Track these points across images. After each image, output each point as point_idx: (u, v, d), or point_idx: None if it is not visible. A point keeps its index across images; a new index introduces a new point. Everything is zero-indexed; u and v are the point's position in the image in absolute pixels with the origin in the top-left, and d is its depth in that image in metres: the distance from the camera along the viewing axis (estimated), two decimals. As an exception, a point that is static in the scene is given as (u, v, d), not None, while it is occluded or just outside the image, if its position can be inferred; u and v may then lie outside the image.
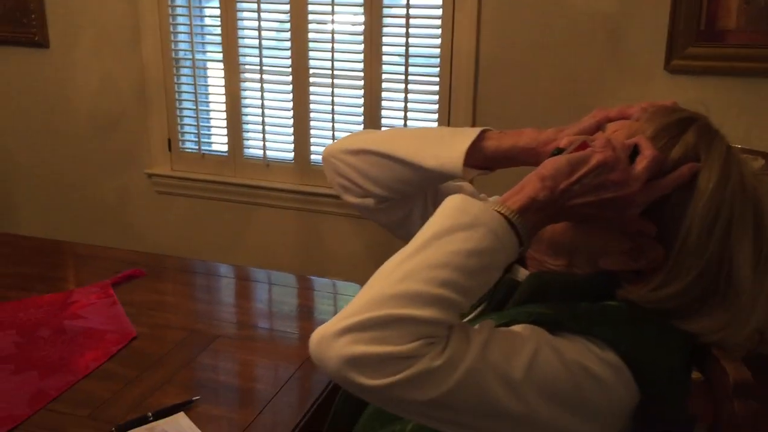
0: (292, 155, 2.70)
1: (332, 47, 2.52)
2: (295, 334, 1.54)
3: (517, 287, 0.95)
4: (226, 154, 2.81)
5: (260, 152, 2.74)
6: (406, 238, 0.91)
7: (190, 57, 2.75)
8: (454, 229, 0.77)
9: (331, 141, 2.62)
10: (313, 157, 2.67)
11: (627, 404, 0.83)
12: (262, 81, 2.66)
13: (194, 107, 2.82)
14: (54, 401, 1.27)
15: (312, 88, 2.60)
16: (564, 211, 0.83)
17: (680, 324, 0.86)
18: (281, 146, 2.72)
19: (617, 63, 2.21)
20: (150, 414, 1.21)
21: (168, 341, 1.48)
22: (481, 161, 1.01)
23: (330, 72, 2.55)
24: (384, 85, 2.50)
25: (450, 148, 1.00)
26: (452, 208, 0.80)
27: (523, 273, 0.98)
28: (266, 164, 2.75)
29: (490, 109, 2.38)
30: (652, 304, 0.86)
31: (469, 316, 1.00)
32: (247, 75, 2.69)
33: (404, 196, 1.11)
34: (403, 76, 2.45)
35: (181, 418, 1.22)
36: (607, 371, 0.81)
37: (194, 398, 1.26)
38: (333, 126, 2.60)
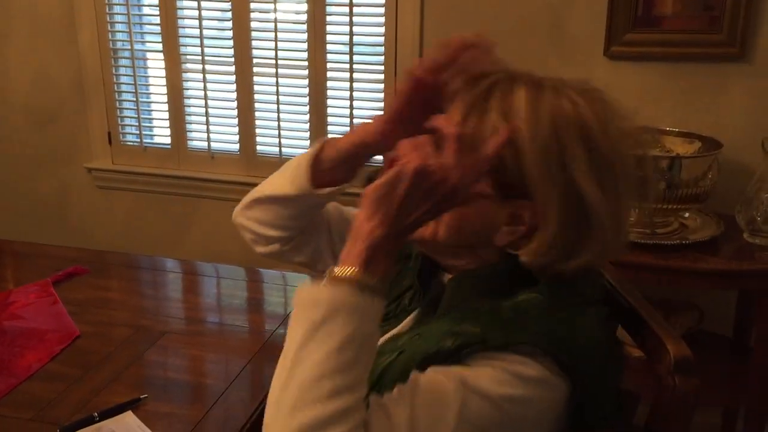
0: (237, 146, 2.66)
1: (275, 36, 2.49)
2: (245, 327, 1.52)
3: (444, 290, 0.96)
4: (169, 146, 2.75)
5: (204, 144, 2.69)
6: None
7: (129, 47, 2.68)
8: (313, 330, 0.76)
9: (277, 131, 2.59)
10: (259, 147, 2.64)
11: (560, 401, 0.84)
12: (204, 71, 2.60)
13: (134, 99, 2.74)
14: (-5, 405, 1.23)
15: (256, 78, 2.57)
16: (407, 230, 0.81)
17: (566, 265, 0.87)
18: (226, 137, 2.67)
19: (559, 50, 2.24)
20: (96, 414, 1.18)
21: (113, 339, 1.45)
22: (329, 173, 1.03)
23: (274, 61, 2.51)
24: (329, 74, 2.48)
25: (300, 170, 1.03)
26: (301, 306, 0.79)
27: (446, 277, 0.98)
28: (211, 156, 2.70)
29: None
30: (544, 258, 0.86)
31: (403, 323, 1.00)
32: (189, 65, 2.63)
33: (301, 231, 1.12)
34: (347, 65, 2.44)
35: (128, 417, 1.20)
36: (531, 388, 0.81)
37: (142, 396, 1.24)
38: (278, 116, 2.57)
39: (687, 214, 1.99)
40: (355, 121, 2.50)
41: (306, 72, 2.50)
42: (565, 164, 0.84)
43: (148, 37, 2.70)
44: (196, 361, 1.40)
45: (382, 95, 2.44)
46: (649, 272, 1.79)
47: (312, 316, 0.76)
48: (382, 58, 2.41)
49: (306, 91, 2.52)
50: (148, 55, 2.73)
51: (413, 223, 0.81)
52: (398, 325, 1.00)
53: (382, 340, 0.96)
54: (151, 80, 2.76)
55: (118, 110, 2.76)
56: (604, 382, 0.87)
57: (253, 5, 2.49)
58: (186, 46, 2.61)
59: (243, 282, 1.78)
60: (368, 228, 0.79)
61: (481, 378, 0.81)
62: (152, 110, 2.79)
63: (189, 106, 2.68)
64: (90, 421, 1.17)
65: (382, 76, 2.42)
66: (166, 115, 2.71)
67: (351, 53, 2.43)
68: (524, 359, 0.82)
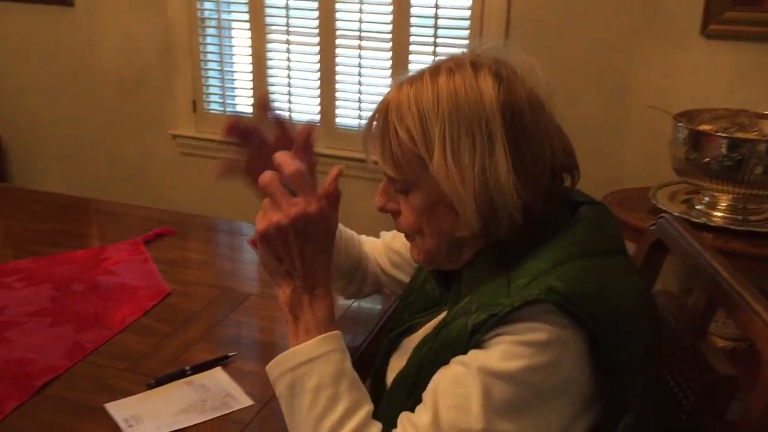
0: (317, 117, 2.68)
1: (360, 8, 2.49)
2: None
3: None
4: (251, 116, 2.79)
5: (285, 114, 2.72)
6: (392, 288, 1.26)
7: (216, 17, 2.73)
8: (289, 397, 0.90)
9: (357, 104, 2.60)
10: (338, 119, 2.66)
11: (581, 354, 0.82)
12: (288, 42, 2.63)
13: (219, 68, 2.80)
14: (92, 354, 1.28)
15: (339, 50, 2.58)
16: (304, 275, 0.91)
17: (515, 217, 0.87)
18: (307, 108, 2.70)
19: (652, 28, 2.17)
20: (188, 368, 1.22)
21: (201, 298, 1.49)
22: None
23: (357, 33, 2.52)
24: (411, 47, 2.47)
25: None
26: (280, 386, 0.92)
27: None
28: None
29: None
30: (480, 228, 0.87)
31: (439, 317, 1.01)
32: (273, 36, 2.66)
33: (351, 269, 1.26)
34: (431, 39, 2.42)
35: (218, 372, 1.23)
36: (549, 352, 0.80)
37: (230, 354, 1.27)
38: (359, 89, 2.58)
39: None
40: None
41: (389, 45, 2.49)
42: (459, 152, 0.85)
43: (234, 7, 2.74)
44: (279, 323, 1.42)
45: (464, 70, 2.42)
46: (739, 259, 1.73)
47: (280, 391, 0.91)
48: (467, 33, 2.38)
49: (388, 64, 2.52)
50: (234, 24, 2.78)
51: (303, 267, 0.90)
52: (431, 319, 1.02)
53: (425, 329, 1.00)
54: (235, 50, 2.80)
55: (203, 78, 2.82)
56: (629, 328, 0.83)
57: (339, -24, 2.49)
58: (271, 16, 2.64)
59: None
60: (280, 298, 0.93)
61: (496, 359, 0.81)
62: (236, 79, 2.83)
63: (272, 76, 2.71)
64: (182, 375, 1.21)
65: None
66: (250, 84, 2.75)
67: (435, 27, 2.41)
68: (534, 324, 0.80)
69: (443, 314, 1.00)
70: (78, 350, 1.29)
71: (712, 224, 1.84)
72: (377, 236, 1.34)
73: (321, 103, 2.66)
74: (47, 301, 1.46)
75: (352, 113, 2.63)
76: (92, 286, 1.52)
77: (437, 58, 0.95)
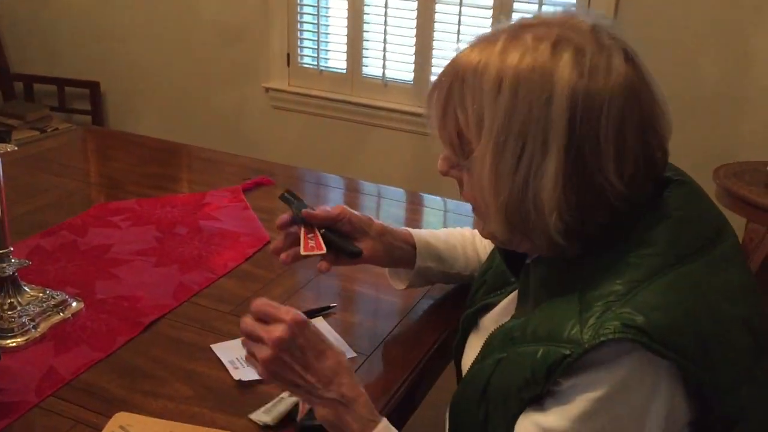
0: (411, 76, 2.64)
1: (464, -36, 2.42)
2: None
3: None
4: (345, 71, 2.77)
5: (379, 71, 2.69)
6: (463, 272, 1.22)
7: (315, -30, 2.71)
8: None
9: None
10: (433, 78, 2.60)
11: (677, 388, 0.73)
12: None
13: (315, 22, 2.78)
14: (197, 295, 1.30)
15: (438, 6, 2.51)
16: (309, 392, 0.87)
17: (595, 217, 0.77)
18: (401, 66, 2.66)
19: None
20: (291, 314, 1.22)
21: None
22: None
23: (460, -9, 2.45)
24: (515, 5, 2.39)
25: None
26: None
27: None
28: (384, 84, 2.70)
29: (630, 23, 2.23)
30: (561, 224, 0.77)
31: (506, 299, 0.98)
32: (372, -8, 2.63)
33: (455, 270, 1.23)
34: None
35: (320, 322, 1.23)
36: (634, 398, 0.72)
37: (332, 305, 1.26)
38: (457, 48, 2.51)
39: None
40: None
41: (491, 2, 2.42)
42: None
43: (334, -39, 2.71)
44: (380, 278, 1.40)
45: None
46: None
47: None
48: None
49: (489, 22, 2.44)
50: (333, -21, 2.75)
51: (318, 378, 0.86)
52: (504, 298, 0.99)
53: (499, 309, 0.98)
54: (332, 4, 2.77)
55: (298, 32, 2.81)
56: (728, 345, 0.74)
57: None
58: (371, -28, 2.60)
59: (422, 208, 1.77)
60: (319, 418, 0.88)
61: (578, 420, 0.73)
62: (330, 34, 2.81)
63: (367, 32, 2.68)
64: (284, 321, 1.21)
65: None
66: (345, 40, 2.72)
67: (542, -16, 2.31)
68: (612, 369, 0.72)
69: (514, 297, 0.95)
70: (183, 291, 1.30)
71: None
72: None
73: (416, 62, 2.61)
74: (152, 241, 1.48)
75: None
76: (194, 229, 1.53)
77: (534, 13, 0.85)
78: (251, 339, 0.88)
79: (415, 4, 2.53)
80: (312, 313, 1.24)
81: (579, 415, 0.74)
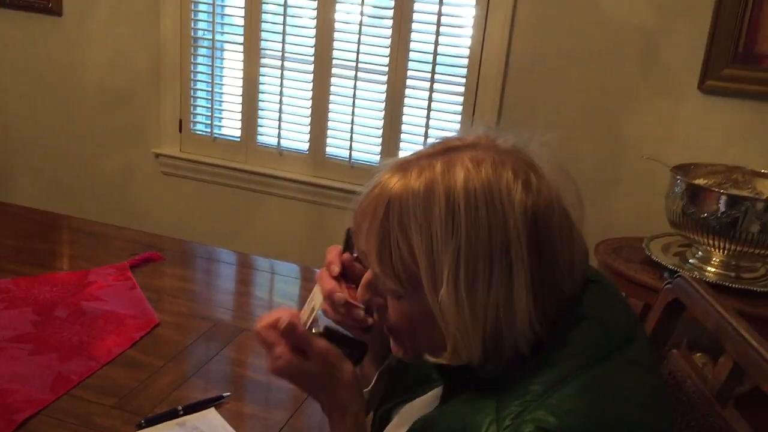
0: (307, 146, 2.64)
1: (359, 39, 2.47)
2: (321, 332, 1.49)
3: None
4: (239, 139, 2.74)
5: (274, 140, 2.68)
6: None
7: (210, 37, 2.69)
8: None
9: (349, 135, 2.57)
10: (328, 149, 2.62)
11: None
12: (282, 68, 2.60)
13: (209, 89, 2.75)
14: (77, 387, 1.21)
15: (333, 80, 2.55)
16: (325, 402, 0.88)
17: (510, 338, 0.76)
18: (296, 135, 2.66)
19: (650, 79, 2.19)
20: (180, 408, 1.16)
21: (191, 331, 1.43)
22: None
23: (354, 64, 2.49)
24: (408, 82, 2.46)
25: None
26: None
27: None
28: (279, 153, 2.69)
29: (516, 116, 2.34)
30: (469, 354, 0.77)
31: (426, 396, 0.93)
32: (267, 60, 2.62)
33: None
34: (429, 74, 2.41)
35: (211, 414, 1.17)
36: None
37: (225, 394, 1.21)
38: (352, 119, 2.55)
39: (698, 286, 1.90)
40: (430, 132, 2.47)
41: (385, 78, 2.48)
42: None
43: (229, 29, 2.70)
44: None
45: (460, 108, 2.41)
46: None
47: None
48: (465, 71, 2.37)
49: (383, 96, 2.50)
50: (228, 46, 2.73)
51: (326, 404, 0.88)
52: (421, 395, 0.94)
53: (417, 403, 0.93)
54: (227, 72, 2.76)
55: (191, 98, 2.77)
56: None
57: (338, 5, 2.47)
58: (267, 41, 2.61)
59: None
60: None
61: None
62: (225, 101, 2.78)
63: (263, 101, 2.67)
64: (174, 415, 1.15)
65: (462, 89, 2.39)
66: (239, 107, 2.70)
67: (434, 63, 2.40)
68: None
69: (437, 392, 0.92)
70: (62, 382, 1.22)
71: (705, 279, 1.84)
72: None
73: (311, 132, 2.62)
74: (28, 326, 1.38)
75: (343, 143, 2.59)
76: (76, 312, 1.45)
77: (446, 135, 0.82)
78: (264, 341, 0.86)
79: (310, 76, 2.55)
80: (203, 404, 1.19)
81: None
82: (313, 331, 0.88)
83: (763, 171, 1.96)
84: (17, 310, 1.43)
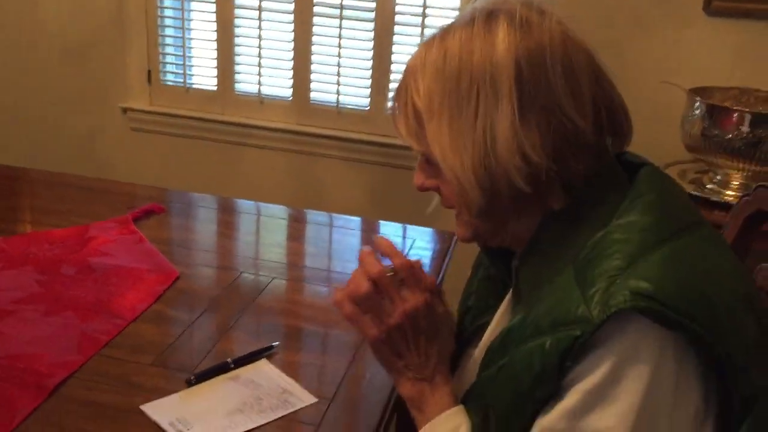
0: (290, 92, 2.49)
1: (342, -26, 2.32)
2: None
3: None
4: (215, 88, 2.57)
5: (254, 87, 2.52)
6: None
7: (177, -22, 2.49)
8: None
9: (336, 77, 2.43)
10: (313, 95, 2.47)
11: (688, 366, 0.71)
12: (260, 9, 2.43)
13: (179, 35, 2.56)
14: (107, 347, 1.08)
15: (316, 19, 2.39)
16: (429, 353, 0.88)
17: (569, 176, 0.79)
18: (278, 82, 2.51)
19: (655, 5, 2.11)
20: (230, 361, 1.05)
21: (217, 282, 1.31)
22: None
23: (338, 2, 2.34)
24: (397, 18, 2.32)
25: None
26: None
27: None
28: (260, 101, 2.53)
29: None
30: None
31: (498, 313, 0.92)
32: (242, 1, 2.45)
33: None
34: (420, 8, 2.28)
35: (264, 365, 1.06)
36: (646, 376, 0.69)
37: (274, 344, 1.10)
38: (339, 62, 2.40)
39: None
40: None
41: (372, 15, 2.34)
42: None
43: (197, -31, 2.51)
44: (317, 309, 1.26)
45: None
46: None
47: None
48: (458, 2, 2.25)
49: (371, 35, 2.36)
50: (197, -13, 2.54)
51: (420, 359, 0.87)
52: (496, 310, 0.93)
53: (488, 330, 0.92)
54: (198, 15, 2.57)
55: (160, 47, 2.58)
56: (737, 317, 0.72)
57: (318, -61, 2.31)
58: (241, -21, 2.43)
59: (325, 227, 1.64)
60: (403, 394, 0.89)
61: (597, 412, 0.70)
62: (197, 48, 2.60)
63: (239, 46, 2.50)
64: (225, 369, 1.04)
65: (456, 23, 2.27)
66: (214, 54, 2.53)
67: (425, -3, 2.27)
68: (626, 344, 0.69)
69: (506, 305, 0.91)
70: (89, 343, 1.08)
71: (724, 202, 1.80)
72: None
73: (294, 77, 2.47)
74: (34, 285, 1.24)
75: (329, 87, 2.45)
76: (85, 269, 1.30)
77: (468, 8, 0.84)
78: (383, 291, 0.85)
79: (291, 17, 2.39)
80: (251, 357, 1.07)
81: (598, 409, 0.70)
82: None
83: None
84: (16, 270, 1.28)
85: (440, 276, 1.39)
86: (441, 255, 1.45)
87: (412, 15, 2.31)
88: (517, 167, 0.76)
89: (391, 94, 2.45)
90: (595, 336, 0.68)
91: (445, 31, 0.80)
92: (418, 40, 2.32)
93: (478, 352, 0.91)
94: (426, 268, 1.38)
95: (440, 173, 0.81)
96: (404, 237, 1.57)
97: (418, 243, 1.50)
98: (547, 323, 0.72)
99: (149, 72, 2.61)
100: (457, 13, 2.25)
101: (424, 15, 2.29)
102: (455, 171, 0.78)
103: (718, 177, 1.90)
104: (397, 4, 2.31)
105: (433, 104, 0.79)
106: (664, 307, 0.67)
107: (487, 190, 0.77)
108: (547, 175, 0.76)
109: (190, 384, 1.00)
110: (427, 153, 0.81)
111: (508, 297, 0.91)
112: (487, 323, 0.93)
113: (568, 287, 0.73)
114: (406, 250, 1.47)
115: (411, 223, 1.62)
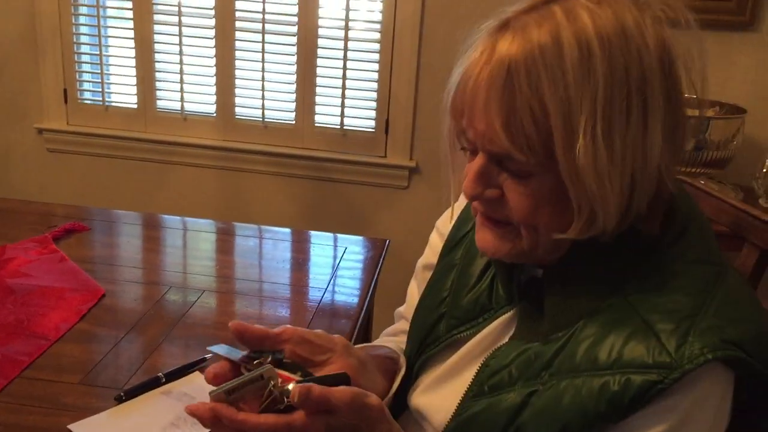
0: (213, 108, 2.46)
1: (263, -11, 2.31)
2: (284, 284, 1.38)
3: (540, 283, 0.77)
4: (136, 106, 2.51)
5: (177, 104, 2.48)
6: None
7: (93, -6, 2.43)
8: None
9: (260, 92, 2.41)
10: (238, 110, 2.45)
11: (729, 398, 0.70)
12: (180, 24, 2.39)
13: (96, 53, 2.49)
14: (30, 368, 1.04)
15: (238, 34, 2.38)
16: None
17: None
18: (201, 98, 2.47)
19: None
20: (162, 375, 1.02)
21: (145, 297, 1.28)
22: None
23: (260, 16, 2.34)
24: (321, 32, 2.33)
25: None
26: None
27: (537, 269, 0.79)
28: (183, 118, 2.49)
29: (434, 61, 2.28)
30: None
31: (493, 325, 0.81)
32: (161, 17, 2.41)
33: None
34: (342, 21, 2.30)
35: (198, 377, 1.04)
36: (712, 421, 0.68)
37: (207, 356, 1.08)
38: (263, 76, 2.39)
39: (702, 182, 1.98)
40: (348, 83, 2.36)
41: (295, 29, 2.34)
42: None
43: (114, -15, 2.46)
44: (248, 320, 1.24)
45: (377, 57, 2.31)
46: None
47: None
48: (381, 15, 2.28)
49: (294, 50, 2.36)
50: (114, 3, 2.49)
51: None
52: (484, 327, 0.81)
53: (472, 343, 0.81)
54: (115, 32, 2.51)
55: (76, 65, 2.50)
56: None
57: (238, -46, 2.31)
58: (159, -5, 2.40)
59: (255, 239, 1.62)
60: None
61: None
62: (116, 65, 2.54)
63: (160, 62, 2.46)
64: (156, 383, 1.01)
65: (378, 36, 2.30)
66: (133, 72, 2.47)
67: (347, 8, 2.28)
68: (702, 394, 0.66)
69: (502, 322, 0.81)
70: (10, 365, 1.04)
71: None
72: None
73: (217, 93, 2.44)
74: (-52, 310, 1.18)
75: (254, 102, 2.43)
76: (3, 290, 1.25)
77: None
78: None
79: (212, 32, 2.37)
80: (183, 370, 1.05)
81: None
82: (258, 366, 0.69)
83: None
84: (-71, 295, 1.22)
85: (373, 283, 1.39)
86: (373, 262, 1.46)
87: (334, 29, 2.33)
88: (649, 195, 0.68)
89: (318, 108, 2.48)
90: (675, 385, 0.64)
91: (565, 10, 0.67)
92: (341, 53, 2.33)
93: (453, 359, 0.83)
94: (359, 275, 1.40)
95: (513, 182, 0.70)
96: (335, 246, 1.57)
97: (349, 251, 1.50)
98: (608, 362, 0.67)
99: (65, 91, 2.53)
100: (379, 27, 2.28)
101: (347, 28, 2.31)
102: (596, 192, 0.66)
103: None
104: (320, 18, 2.32)
105: (575, 120, 0.65)
106: (749, 356, 0.65)
107: (623, 211, 0.68)
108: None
109: (120, 400, 0.97)
110: (523, 161, 0.67)
111: (509, 315, 0.80)
112: (468, 336, 0.82)
113: (628, 321, 0.68)
114: (338, 260, 1.47)
115: (341, 233, 1.63)
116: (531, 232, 0.71)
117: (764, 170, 1.91)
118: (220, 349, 0.73)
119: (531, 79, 0.65)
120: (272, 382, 0.66)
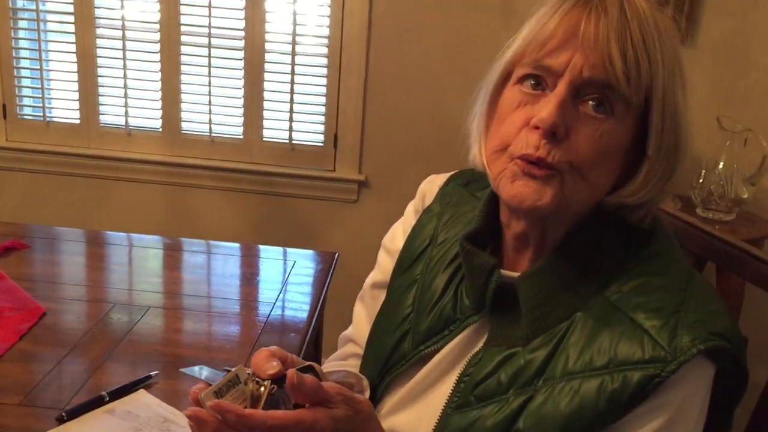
0: (159, 122, 2.43)
1: (209, 2, 2.29)
2: (233, 299, 1.36)
3: (511, 289, 0.77)
4: (78, 121, 2.46)
5: (121, 119, 2.44)
6: None
7: (33, 7, 2.37)
8: None
9: (207, 107, 2.39)
10: (184, 125, 2.42)
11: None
12: (123, 38, 2.36)
13: (37, 67, 2.43)
14: (-34, 391, 1.00)
15: (184, 48, 2.35)
16: None
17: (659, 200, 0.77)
18: (146, 113, 2.43)
19: (511, 28, 2.23)
20: (105, 394, 0.99)
21: (88, 315, 1.25)
22: None
23: (206, 30, 2.32)
24: (268, 46, 2.32)
25: None
26: None
27: (508, 273, 0.78)
28: (128, 133, 2.45)
29: (382, 75, 2.30)
30: (644, 193, 0.74)
31: (461, 336, 0.80)
32: (104, 31, 2.37)
33: None
34: (290, 36, 2.29)
35: (142, 395, 1.02)
36: (698, 411, 0.71)
37: (152, 373, 1.06)
38: (210, 90, 2.37)
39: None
40: (296, 98, 2.36)
41: (242, 43, 2.33)
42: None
43: (55, -3, 2.41)
44: (193, 335, 1.22)
45: (325, 71, 2.32)
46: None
47: None
48: (328, 30, 2.29)
49: (241, 64, 2.35)
50: (54, 17, 2.44)
51: None
52: (451, 339, 0.80)
53: (440, 356, 0.80)
54: (56, 46, 2.46)
55: (15, 79, 2.44)
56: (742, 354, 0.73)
57: (184, -34, 2.29)
58: (101, 8, 2.35)
59: (203, 255, 1.60)
60: None
61: None
62: (57, 80, 2.48)
63: (103, 77, 2.41)
64: (100, 402, 0.99)
65: (326, 51, 2.30)
66: (75, 86, 2.42)
67: (294, 23, 2.29)
68: (692, 384, 0.69)
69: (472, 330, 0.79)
70: (-56, 388, 0.99)
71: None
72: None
73: (163, 107, 2.41)
74: None
75: (200, 117, 2.41)
76: (-63, 311, 1.20)
77: None
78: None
79: (157, 46, 2.34)
80: (128, 388, 1.02)
81: None
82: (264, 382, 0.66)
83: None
84: None
85: (322, 297, 1.38)
86: (323, 276, 1.45)
87: (282, 43, 2.32)
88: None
89: (266, 122, 2.46)
90: (672, 375, 0.67)
91: None
92: (288, 68, 2.33)
93: (421, 374, 0.81)
94: (309, 289, 1.39)
95: (586, 123, 0.72)
96: (285, 260, 1.56)
97: (299, 265, 1.49)
98: (602, 362, 0.69)
99: (4, 106, 2.46)
100: (326, 41, 2.29)
101: (294, 43, 2.31)
102: (661, 152, 0.73)
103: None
104: (267, 32, 2.31)
105: (676, 67, 0.74)
106: (734, 348, 0.69)
107: (661, 185, 0.74)
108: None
109: (61, 421, 0.94)
110: (621, 96, 0.71)
111: (475, 324, 0.79)
112: (435, 350, 0.80)
113: (620, 324, 0.70)
114: (287, 274, 1.46)
115: (289, 247, 1.62)
116: (578, 180, 0.72)
117: (701, 180, 1.97)
118: (200, 371, 0.70)
119: (642, 25, 0.73)
120: (250, 382, 0.65)
